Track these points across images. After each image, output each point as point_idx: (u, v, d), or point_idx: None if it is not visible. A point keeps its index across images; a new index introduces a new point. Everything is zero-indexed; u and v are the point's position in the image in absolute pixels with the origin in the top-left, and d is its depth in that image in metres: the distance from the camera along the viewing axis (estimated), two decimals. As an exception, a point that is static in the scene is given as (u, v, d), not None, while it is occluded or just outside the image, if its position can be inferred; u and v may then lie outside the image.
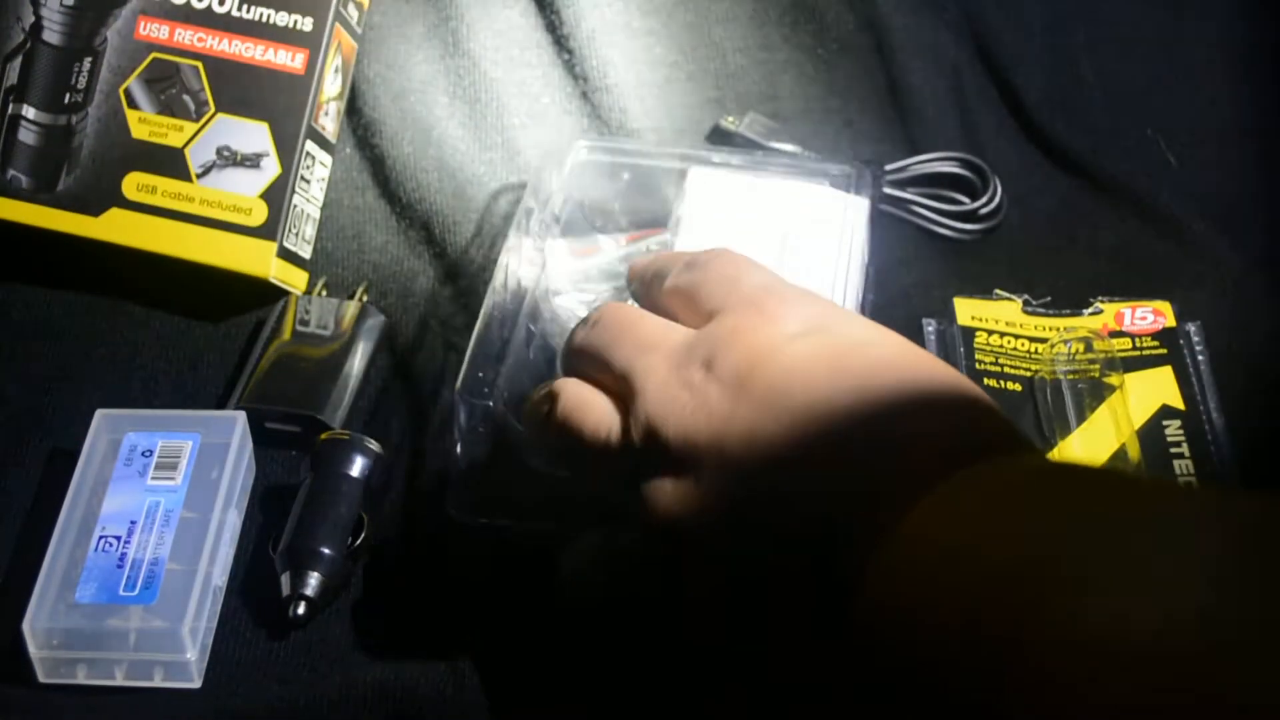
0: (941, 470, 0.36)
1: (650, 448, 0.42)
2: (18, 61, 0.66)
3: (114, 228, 0.64)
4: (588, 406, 0.45)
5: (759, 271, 0.47)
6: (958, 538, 0.34)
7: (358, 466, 0.55)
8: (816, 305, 0.45)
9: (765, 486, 0.40)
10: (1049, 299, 0.66)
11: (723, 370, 0.41)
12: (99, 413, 0.55)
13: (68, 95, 0.65)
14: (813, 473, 0.39)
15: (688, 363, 0.42)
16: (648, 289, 0.50)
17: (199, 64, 0.65)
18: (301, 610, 0.52)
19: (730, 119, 0.73)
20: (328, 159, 0.68)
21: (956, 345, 0.64)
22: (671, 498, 0.41)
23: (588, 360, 0.47)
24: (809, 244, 0.59)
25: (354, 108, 0.73)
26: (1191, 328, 0.64)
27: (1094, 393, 0.61)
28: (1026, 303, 0.66)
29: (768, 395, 0.40)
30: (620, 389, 0.44)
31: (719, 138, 0.74)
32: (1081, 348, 0.63)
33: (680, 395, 0.42)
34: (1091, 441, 0.59)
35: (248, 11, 0.65)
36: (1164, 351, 0.63)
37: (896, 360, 0.42)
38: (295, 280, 0.66)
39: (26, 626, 0.49)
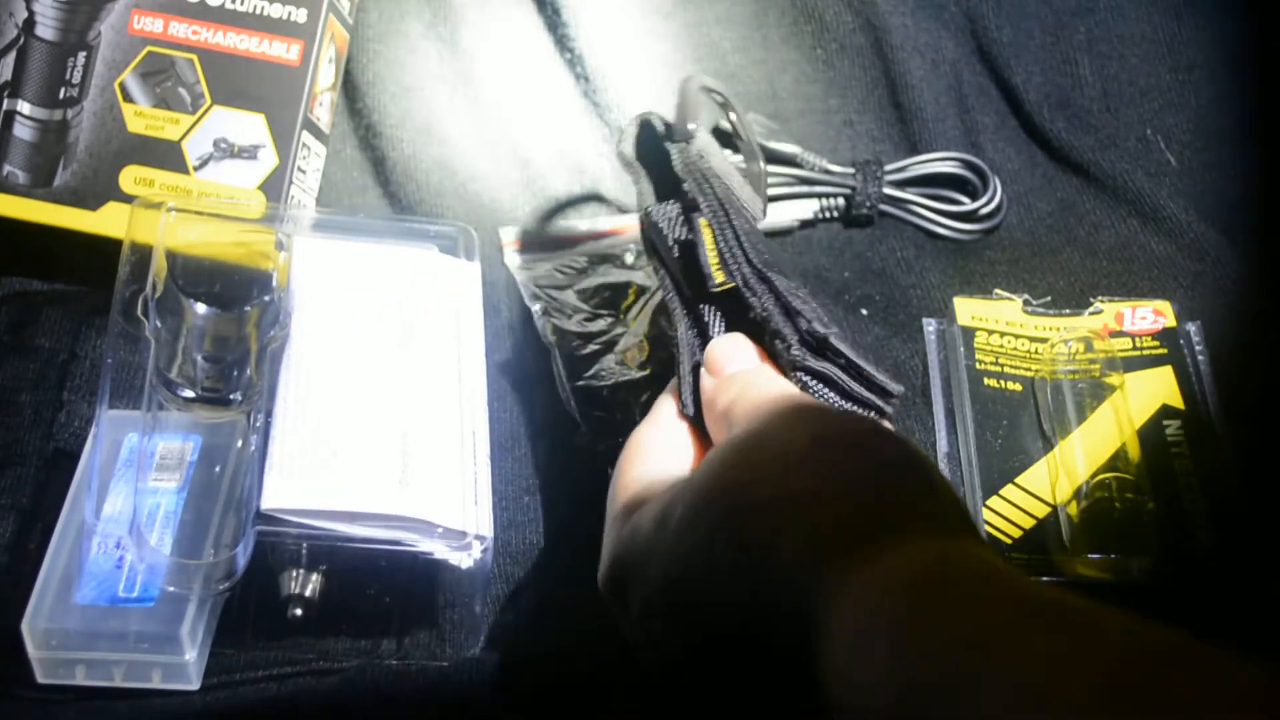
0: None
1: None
2: (11, 57, 0.65)
3: (113, 222, 0.63)
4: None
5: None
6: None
7: None
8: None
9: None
10: (1049, 299, 0.67)
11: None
12: (101, 413, 0.55)
13: (63, 90, 0.65)
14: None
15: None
16: None
17: (194, 57, 0.65)
18: (300, 610, 0.52)
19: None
20: (322, 149, 0.67)
21: (956, 345, 0.64)
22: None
23: None
24: (426, 312, 0.59)
25: (354, 109, 0.72)
26: (1191, 328, 0.65)
27: (1094, 393, 0.61)
28: (1027, 303, 0.66)
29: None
30: None
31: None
32: (1082, 348, 0.63)
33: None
34: (1092, 441, 0.60)
35: (241, 4, 0.65)
36: (1164, 351, 0.63)
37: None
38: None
39: (25, 627, 0.49)
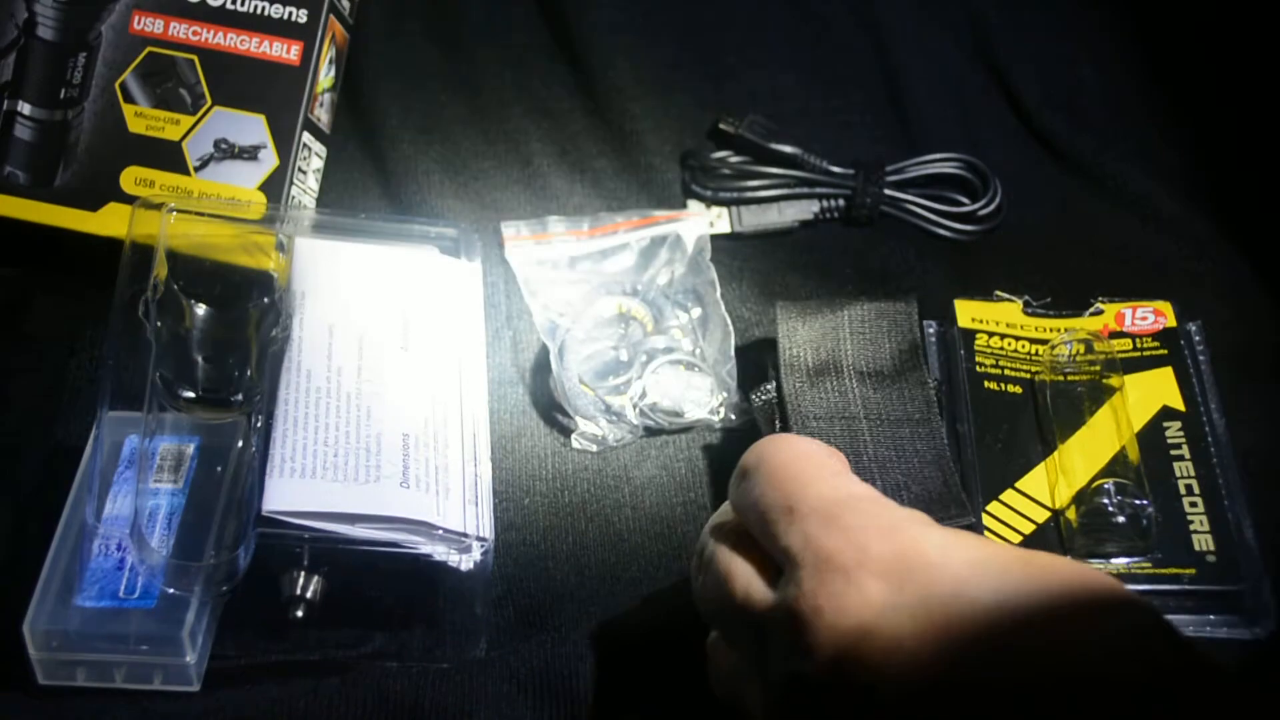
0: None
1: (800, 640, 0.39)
2: (12, 57, 0.65)
3: (113, 223, 0.63)
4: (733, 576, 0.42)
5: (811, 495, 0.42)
6: None
7: None
8: (891, 542, 0.39)
9: None
10: (1049, 300, 0.66)
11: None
12: (101, 415, 0.55)
13: (63, 90, 0.65)
14: None
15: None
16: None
17: (194, 57, 0.65)
18: (301, 612, 0.52)
19: (730, 120, 0.73)
20: (323, 150, 0.67)
21: (957, 347, 0.64)
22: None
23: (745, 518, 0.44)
24: (427, 312, 0.59)
25: (355, 106, 0.72)
26: (1191, 328, 0.64)
27: (1094, 394, 0.61)
28: (1027, 304, 0.66)
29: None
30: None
31: (719, 138, 0.74)
32: (1082, 349, 0.63)
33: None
34: (1092, 444, 0.59)
35: (242, 4, 0.65)
36: (1164, 352, 0.63)
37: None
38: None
39: (26, 628, 0.49)
